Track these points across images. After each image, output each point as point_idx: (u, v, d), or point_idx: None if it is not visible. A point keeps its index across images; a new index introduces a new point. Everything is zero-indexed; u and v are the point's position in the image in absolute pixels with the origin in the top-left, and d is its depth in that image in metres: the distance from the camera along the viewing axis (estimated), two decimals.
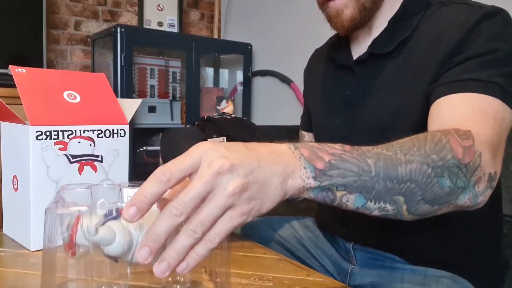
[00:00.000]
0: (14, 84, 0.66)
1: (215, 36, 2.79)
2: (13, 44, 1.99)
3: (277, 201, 0.43)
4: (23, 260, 0.62)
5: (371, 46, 0.75)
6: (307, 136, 0.97)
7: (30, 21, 2.02)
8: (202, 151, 0.40)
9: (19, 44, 2.01)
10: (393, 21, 0.74)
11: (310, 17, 2.14)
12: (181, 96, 2.40)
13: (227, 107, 2.41)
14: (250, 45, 2.44)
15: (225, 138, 2.01)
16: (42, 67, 2.03)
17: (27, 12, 2.01)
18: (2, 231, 0.72)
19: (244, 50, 2.43)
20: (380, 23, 0.76)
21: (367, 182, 0.46)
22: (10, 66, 0.68)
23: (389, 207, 0.49)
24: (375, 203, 0.48)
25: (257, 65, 2.50)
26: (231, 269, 0.59)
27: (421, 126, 0.66)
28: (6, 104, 0.65)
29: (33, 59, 2.02)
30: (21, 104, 0.64)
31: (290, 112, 2.16)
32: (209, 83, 2.68)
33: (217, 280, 0.52)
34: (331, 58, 0.86)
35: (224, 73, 2.74)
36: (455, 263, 0.72)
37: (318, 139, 0.90)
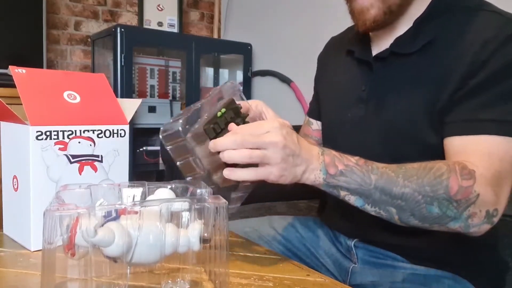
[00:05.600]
0: (14, 84, 0.66)
1: (215, 36, 2.79)
2: (13, 44, 1.99)
3: (291, 180, 0.59)
4: (23, 260, 0.62)
5: (394, 45, 0.74)
6: (315, 124, 0.96)
7: (30, 21, 2.02)
8: (271, 125, 0.57)
9: (19, 44, 2.01)
10: (419, 22, 0.73)
11: (310, 17, 2.14)
12: (181, 96, 2.40)
13: None
14: (250, 45, 2.43)
15: None
16: (42, 67, 2.03)
17: (27, 12, 2.01)
18: (2, 231, 0.72)
19: (244, 50, 2.43)
20: (404, 22, 0.74)
21: (366, 191, 0.61)
22: (10, 66, 0.68)
23: (383, 213, 0.62)
24: (371, 207, 0.62)
25: (257, 65, 2.50)
26: (231, 269, 0.59)
27: (431, 133, 0.68)
28: (6, 104, 0.66)
29: (33, 59, 2.02)
30: (21, 104, 0.64)
31: (290, 112, 2.16)
32: (209, 83, 2.68)
33: (216, 280, 0.52)
34: (349, 50, 0.85)
35: (224, 73, 2.74)
36: (456, 263, 0.72)
37: (327, 130, 0.90)
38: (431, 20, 0.72)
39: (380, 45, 0.78)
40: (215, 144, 0.58)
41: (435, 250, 0.73)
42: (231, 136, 0.57)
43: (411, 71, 0.72)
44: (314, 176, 0.60)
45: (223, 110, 0.62)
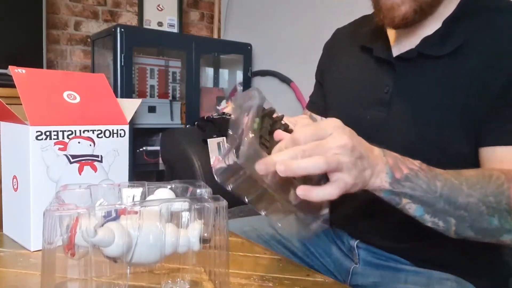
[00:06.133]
0: (14, 84, 0.66)
1: (215, 36, 2.79)
2: (13, 44, 1.99)
3: (360, 188, 0.52)
4: (23, 260, 0.62)
5: (422, 46, 0.71)
6: (319, 120, 0.89)
7: (30, 21, 2.02)
8: (332, 125, 0.50)
9: (19, 44, 2.01)
10: (448, 22, 0.70)
11: (310, 17, 2.14)
12: (181, 96, 2.40)
13: (227, 107, 2.41)
14: (250, 45, 2.43)
15: (224, 138, 2.02)
16: (42, 67, 2.03)
17: (27, 12, 2.01)
18: (2, 231, 0.72)
19: (244, 50, 2.43)
20: (432, 22, 0.71)
21: (430, 199, 0.55)
22: (10, 66, 0.68)
23: (441, 224, 0.57)
24: (431, 217, 0.56)
25: (257, 65, 2.50)
26: (231, 269, 0.59)
27: (463, 142, 0.65)
28: (6, 104, 0.65)
29: (33, 59, 2.02)
30: (21, 104, 0.64)
31: (290, 112, 2.15)
32: (209, 83, 2.68)
33: (216, 280, 0.52)
34: (364, 47, 0.80)
35: (224, 73, 2.74)
36: (459, 266, 0.71)
37: None
38: (461, 21, 0.69)
39: (403, 44, 0.74)
40: (268, 162, 0.47)
41: (440, 254, 0.72)
42: (287, 151, 0.47)
43: (442, 76, 0.68)
44: (380, 180, 0.53)
45: (257, 120, 0.51)
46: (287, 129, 0.55)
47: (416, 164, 0.56)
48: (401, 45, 0.75)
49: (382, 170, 0.53)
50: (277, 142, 0.51)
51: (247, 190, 0.50)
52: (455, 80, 0.67)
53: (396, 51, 0.75)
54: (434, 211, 0.56)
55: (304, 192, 0.47)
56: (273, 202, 0.50)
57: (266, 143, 0.51)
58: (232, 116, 0.52)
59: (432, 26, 0.72)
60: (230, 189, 0.49)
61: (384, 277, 0.75)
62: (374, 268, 0.77)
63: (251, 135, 0.48)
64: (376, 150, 0.54)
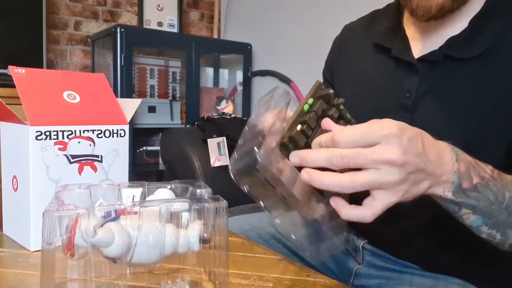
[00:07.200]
0: (14, 84, 0.66)
1: (215, 36, 2.79)
2: (13, 44, 1.99)
3: (414, 197, 0.46)
4: (23, 260, 0.62)
5: (448, 47, 0.65)
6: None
7: (30, 21, 2.02)
8: (385, 132, 0.42)
9: (19, 44, 2.01)
10: (475, 22, 0.65)
11: (310, 17, 2.14)
12: (181, 96, 2.40)
13: (227, 107, 2.41)
14: (250, 45, 2.43)
15: (225, 138, 2.02)
16: (42, 67, 2.03)
17: (27, 12, 2.01)
18: (2, 231, 0.72)
19: (244, 50, 2.43)
20: (457, 21, 0.66)
21: (494, 211, 0.50)
22: (9, 66, 0.68)
23: (498, 236, 0.53)
24: (488, 229, 0.52)
25: (257, 65, 2.50)
26: (231, 269, 0.59)
27: (493, 152, 0.61)
28: (6, 104, 0.65)
29: (33, 59, 2.02)
30: (21, 104, 0.64)
31: None
32: (209, 83, 2.68)
33: (216, 281, 0.52)
34: (379, 45, 0.74)
35: (224, 73, 2.74)
36: (467, 271, 0.69)
37: None
38: (488, 20, 0.65)
39: (424, 44, 0.69)
40: (302, 157, 0.43)
41: (448, 258, 0.70)
42: (324, 152, 0.42)
43: (470, 79, 0.64)
44: (442, 189, 0.48)
45: (311, 101, 0.45)
46: (343, 117, 0.48)
47: (488, 171, 0.51)
48: (422, 45, 0.70)
49: (448, 180, 0.47)
50: (324, 132, 0.45)
51: (264, 194, 0.45)
52: (486, 84, 0.63)
53: (416, 51, 0.70)
54: (495, 223, 0.51)
55: (336, 205, 0.43)
56: (290, 210, 0.46)
57: (309, 131, 0.45)
58: (253, 117, 0.47)
59: (457, 25, 0.67)
60: (246, 190, 0.45)
61: (389, 278, 0.74)
62: (379, 269, 0.76)
63: (281, 125, 0.42)
64: (448, 156, 0.48)
